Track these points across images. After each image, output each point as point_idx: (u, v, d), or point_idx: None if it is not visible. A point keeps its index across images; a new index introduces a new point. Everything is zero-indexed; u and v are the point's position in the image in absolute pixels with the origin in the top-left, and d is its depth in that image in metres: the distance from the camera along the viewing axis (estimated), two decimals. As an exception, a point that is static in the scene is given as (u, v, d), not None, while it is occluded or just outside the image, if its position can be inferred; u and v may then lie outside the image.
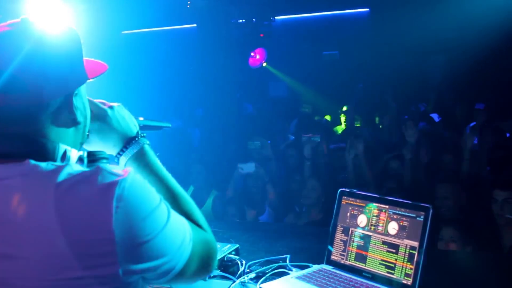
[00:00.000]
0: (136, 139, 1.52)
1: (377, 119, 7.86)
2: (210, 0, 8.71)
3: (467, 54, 8.71)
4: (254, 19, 8.95)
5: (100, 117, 1.48)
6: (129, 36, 11.40)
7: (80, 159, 1.29)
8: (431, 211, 1.90)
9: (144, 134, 1.56)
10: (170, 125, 1.83)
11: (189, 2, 8.33)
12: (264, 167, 5.31)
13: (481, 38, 7.83)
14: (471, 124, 6.31)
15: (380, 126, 7.44)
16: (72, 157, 1.25)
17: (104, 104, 1.52)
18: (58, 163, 1.20)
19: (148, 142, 1.54)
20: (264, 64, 8.88)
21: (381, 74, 10.22)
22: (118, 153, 1.51)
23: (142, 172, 1.48)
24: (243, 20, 8.96)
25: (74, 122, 1.28)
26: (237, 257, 2.27)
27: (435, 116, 7.55)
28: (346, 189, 2.21)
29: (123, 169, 1.19)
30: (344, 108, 8.15)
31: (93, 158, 1.33)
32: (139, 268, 1.14)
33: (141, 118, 1.69)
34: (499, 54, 8.03)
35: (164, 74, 10.01)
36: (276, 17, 9.32)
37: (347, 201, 2.18)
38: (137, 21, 10.21)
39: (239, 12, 8.94)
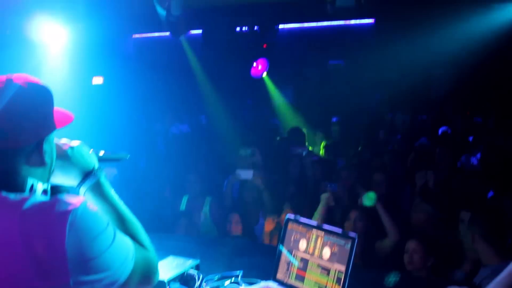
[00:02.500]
0: (93, 173, 1.81)
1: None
2: (214, 8, 8.86)
3: (473, 68, 8.84)
4: (256, 28, 8.99)
5: (62, 156, 1.78)
6: (140, 40, 11.71)
7: (45, 191, 1.58)
8: (356, 240, 2.15)
9: (101, 168, 1.86)
10: (128, 157, 2.10)
11: None
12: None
13: (486, 54, 7.94)
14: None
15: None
16: (38, 189, 1.54)
17: (66, 145, 1.83)
18: (26, 194, 1.49)
19: (104, 174, 1.83)
20: (264, 75, 9.04)
21: (386, 86, 10.41)
22: (78, 185, 1.80)
23: (97, 200, 1.78)
24: (246, 29, 9.06)
25: (42, 163, 1.57)
26: (197, 271, 2.52)
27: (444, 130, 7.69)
28: (292, 217, 2.47)
29: (78, 199, 1.48)
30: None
31: (55, 190, 1.63)
32: (87, 280, 1.41)
33: (102, 152, 1.98)
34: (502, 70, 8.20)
35: (171, 79, 10.27)
36: (280, 26, 9.43)
37: (292, 227, 2.44)
38: (146, 25, 10.47)
39: (243, 21, 9.04)
